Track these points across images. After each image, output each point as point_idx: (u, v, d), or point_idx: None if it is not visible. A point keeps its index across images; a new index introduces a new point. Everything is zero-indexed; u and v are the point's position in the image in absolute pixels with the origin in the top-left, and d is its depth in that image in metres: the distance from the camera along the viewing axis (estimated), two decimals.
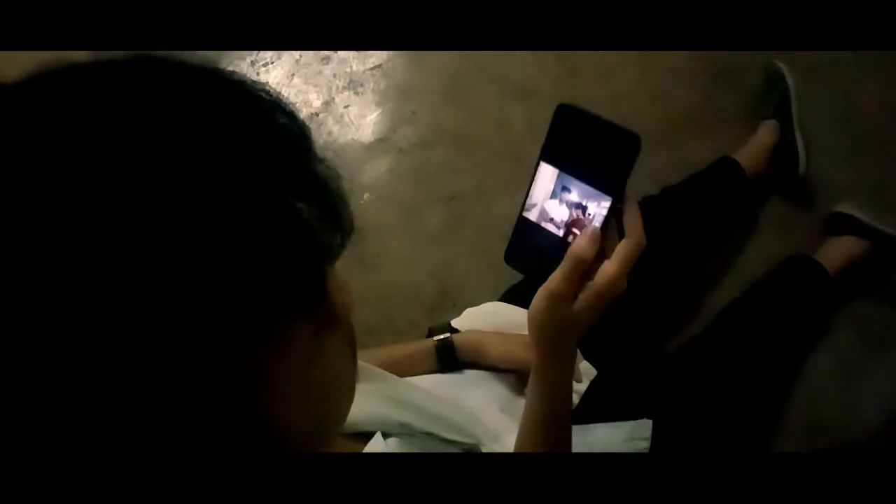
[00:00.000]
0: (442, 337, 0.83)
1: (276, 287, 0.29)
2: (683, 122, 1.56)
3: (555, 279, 0.51)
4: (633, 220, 0.50)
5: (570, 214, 0.51)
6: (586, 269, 0.50)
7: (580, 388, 0.90)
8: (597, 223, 0.50)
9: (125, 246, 0.24)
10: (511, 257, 0.56)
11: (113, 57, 0.29)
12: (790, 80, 1.45)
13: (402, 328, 1.39)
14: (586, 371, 0.93)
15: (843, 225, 1.33)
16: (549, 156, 0.51)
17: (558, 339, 0.55)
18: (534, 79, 1.61)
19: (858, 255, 1.30)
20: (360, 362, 0.68)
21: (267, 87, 0.33)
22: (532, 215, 0.54)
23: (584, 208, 0.51)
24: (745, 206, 1.40)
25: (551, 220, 0.53)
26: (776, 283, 1.25)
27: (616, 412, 0.86)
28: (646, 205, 1.19)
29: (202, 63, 0.31)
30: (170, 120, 0.27)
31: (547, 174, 0.51)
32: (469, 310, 0.98)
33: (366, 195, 1.55)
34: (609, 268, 0.50)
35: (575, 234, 0.52)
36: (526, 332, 0.91)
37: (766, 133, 1.43)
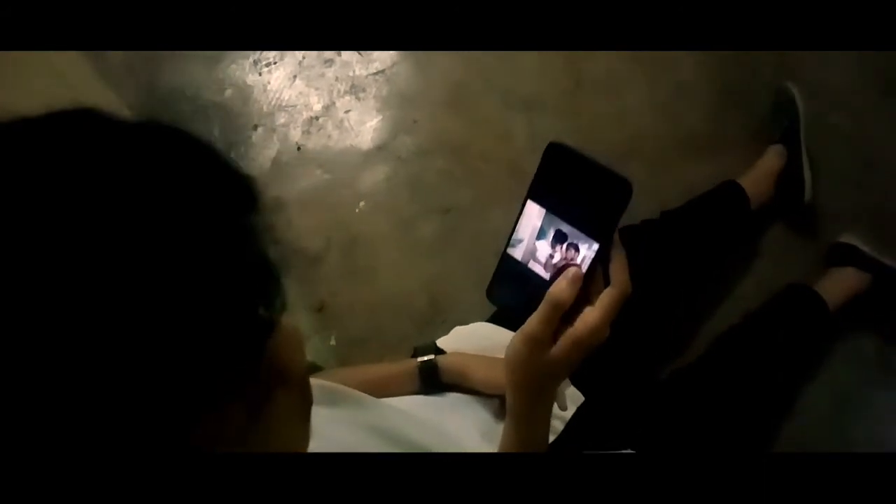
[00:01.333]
0: (426, 358, 0.83)
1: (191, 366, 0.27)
2: (688, 141, 1.55)
3: (532, 322, 0.51)
4: (618, 269, 0.50)
5: (557, 256, 0.52)
6: (565, 313, 0.50)
7: (565, 415, 0.90)
8: (583, 267, 0.51)
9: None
10: (492, 293, 0.56)
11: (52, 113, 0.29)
12: (800, 105, 1.44)
13: (392, 342, 1.39)
14: (573, 397, 0.93)
15: (845, 256, 1.33)
16: (536, 194, 0.51)
17: (534, 385, 0.55)
18: (539, 91, 1.62)
19: (860, 288, 1.29)
20: (335, 385, 0.70)
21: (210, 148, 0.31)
22: (517, 253, 0.53)
23: (570, 251, 0.51)
24: (746, 233, 1.40)
25: (536, 260, 0.52)
26: (774, 313, 1.24)
27: (601, 442, 0.86)
28: (644, 229, 1.20)
29: (147, 120, 0.31)
30: (95, 177, 0.27)
31: (534, 212, 0.51)
32: (457, 328, 0.98)
33: (361, 203, 1.56)
34: (591, 315, 0.50)
35: None
36: None
37: (772, 158, 1.43)
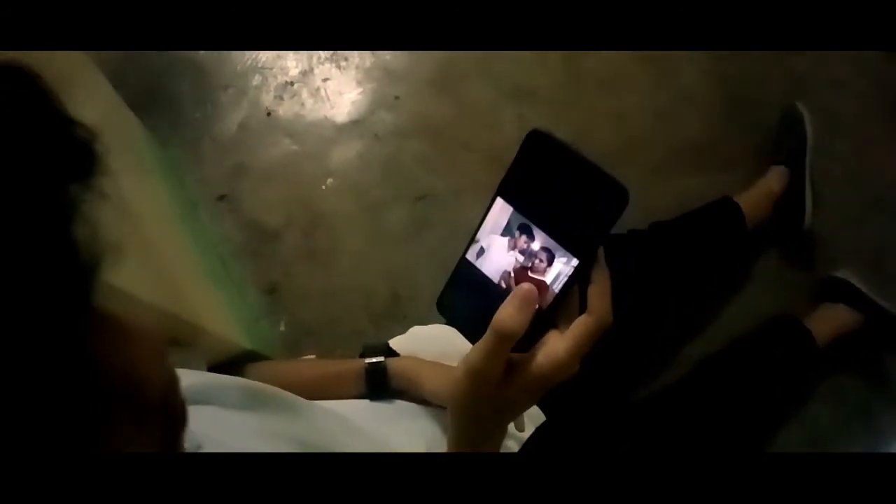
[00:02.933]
0: (375, 360, 0.78)
1: None
2: (686, 151, 1.52)
3: (476, 352, 0.43)
4: (598, 293, 0.42)
5: (525, 267, 0.44)
6: (524, 338, 0.42)
7: (522, 435, 0.85)
8: (556, 286, 0.43)
9: None
10: (444, 304, 0.48)
11: None
12: (808, 127, 1.42)
13: (345, 334, 1.34)
14: (532, 416, 0.88)
15: (839, 291, 1.32)
16: (509, 191, 0.44)
17: (478, 424, 0.48)
18: (534, 80, 1.57)
19: (850, 327, 1.28)
20: (261, 386, 0.62)
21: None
22: (477, 259, 0.46)
23: (541, 264, 0.43)
24: (738, 254, 1.37)
25: (499, 270, 0.45)
26: (759, 343, 1.22)
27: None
28: (631, 239, 1.15)
29: None
30: None
31: (504, 213, 0.44)
32: (415, 329, 0.94)
33: (329, 180, 1.50)
34: (558, 346, 0.42)
35: None
36: None
37: (774, 178, 1.40)
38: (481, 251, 0.46)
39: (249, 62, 1.63)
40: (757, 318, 1.27)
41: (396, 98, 1.57)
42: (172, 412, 0.30)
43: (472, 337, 0.45)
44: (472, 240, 0.46)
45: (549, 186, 0.42)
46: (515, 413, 0.48)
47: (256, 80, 1.62)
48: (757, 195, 1.37)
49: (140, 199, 0.91)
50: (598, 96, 1.56)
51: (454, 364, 0.80)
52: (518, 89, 1.55)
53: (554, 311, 0.43)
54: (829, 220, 1.40)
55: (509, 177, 0.44)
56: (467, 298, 0.47)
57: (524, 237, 0.44)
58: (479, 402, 0.45)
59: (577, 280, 0.42)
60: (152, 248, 0.85)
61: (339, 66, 1.63)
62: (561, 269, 0.43)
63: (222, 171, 1.51)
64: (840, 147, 1.47)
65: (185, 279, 0.92)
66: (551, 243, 0.43)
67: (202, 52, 1.62)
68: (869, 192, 1.45)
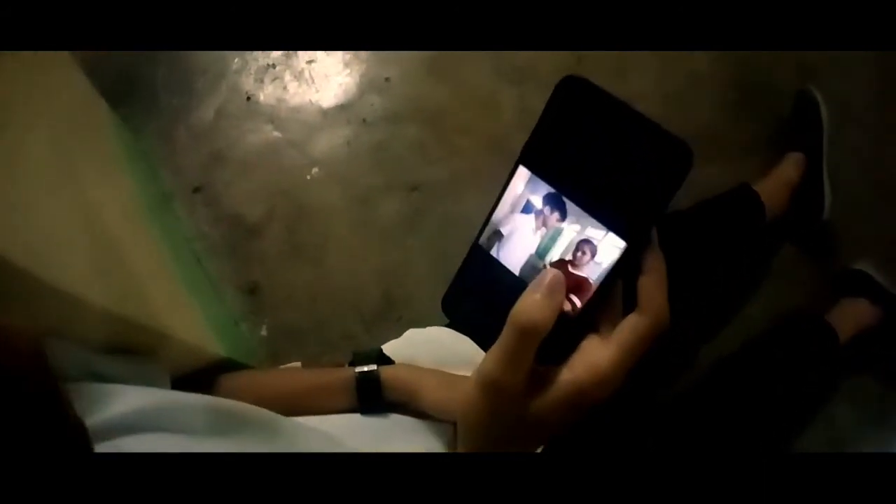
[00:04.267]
0: (366, 368, 0.72)
1: None
2: (696, 138, 1.44)
3: (491, 358, 0.35)
4: (653, 286, 0.35)
5: (555, 257, 0.36)
6: (549, 343, 0.35)
7: None
8: (595, 278, 0.35)
9: None
10: (451, 304, 0.40)
11: None
12: (824, 111, 1.40)
13: (333, 339, 1.30)
14: None
15: (858, 284, 1.31)
16: (535, 158, 0.36)
17: (496, 447, 0.40)
18: (535, 61, 1.52)
19: (871, 323, 1.27)
20: (235, 406, 0.56)
21: None
22: (494, 247, 0.38)
23: (579, 252, 0.35)
24: (759, 247, 1.34)
25: (522, 260, 0.37)
26: (781, 342, 1.19)
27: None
28: None
29: None
30: None
31: (528, 186, 0.36)
32: (411, 332, 0.88)
33: (314, 170, 1.46)
34: (599, 354, 0.35)
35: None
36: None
37: (791, 166, 1.37)
38: (498, 236, 0.38)
39: None
40: (775, 315, 1.25)
41: (387, 80, 1.53)
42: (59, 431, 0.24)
43: (486, 343, 0.37)
44: (487, 222, 0.38)
45: (587, 149, 0.34)
46: (543, 436, 0.40)
47: (236, 63, 1.58)
48: (774, 184, 1.34)
49: (101, 194, 0.85)
50: (604, 80, 1.46)
51: (457, 372, 0.75)
52: (518, 71, 1.51)
53: (593, 310, 0.35)
54: (844, 211, 1.39)
55: (535, 139, 0.36)
56: (481, 296, 0.38)
57: (556, 214, 0.35)
58: (497, 419, 0.38)
59: (623, 270, 0.34)
60: (110, 245, 0.78)
61: None
62: (603, 257, 0.34)
63: (197, 161, 1.47)
64: (852, 136, 1.45)
65: (148, 279, 0.85)
66: (591, 223, 0.34)
67: None
68: (884, 182, 1.44)
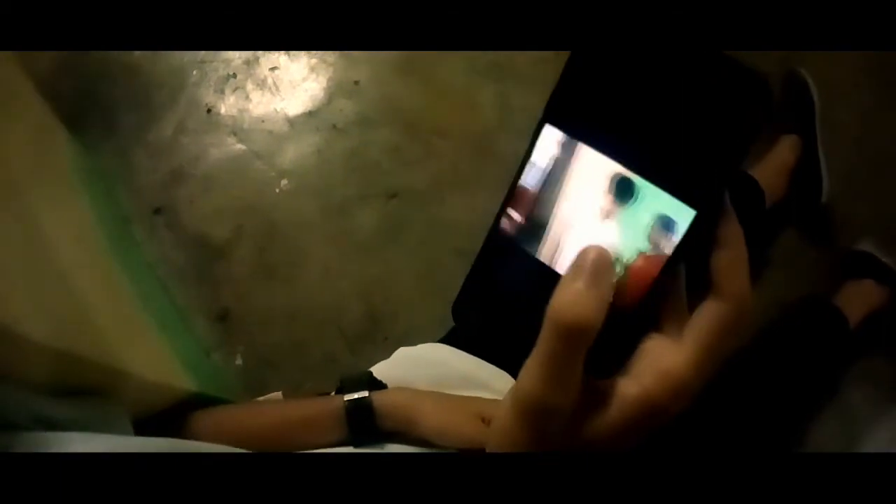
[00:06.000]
0: (356, 396, 0.69)
1: None
2: None
3: (529, 373, 0.29)
4: (732, 264, 0.29)
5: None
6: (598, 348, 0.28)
7: None
8: (651, 256, 0.29)
9: None
10: (463, 310, 0.33)
11: None
12: (814, 91, 1.41)
13: (315, 364, 1.27)
14: None
15: (862, 266, 1.32)
16: (566, 112, 0.30)
17: None
18: (512, 55, 1.52)
19: (880, 303, 1.28)
20: (199, 446, 0.52)
21: None
22: (518, 234, 0.31)
23: (655, 226, 0.28)
24: (761, 236, 1.34)
25: (561, 246, 0.31)
26: (790, 331, 1.20)
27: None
28: None
29: None
30: None
31: (559, 151, 0.30)
32: (401, 351, 0.86)
33: (283, 182, 1.43)
34: (671, 358, 0.29)
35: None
36: (479, 395, 0.72)
37: (786, 149, 1.39)
38: (524, 219, 0.31)
39: (186, 57, 1.58)
40: (779, 303, 1.25)
41: (356, 83, 1.52)
42: None
43: (517, 358, 0.30)
44: (506, 202, 0.31)
45: (635, 93, 0.28)
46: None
47: (194, 75, 1.55)
48: (771, 168, 1.35)
49: (52, 223, 0.82)
50: None
51: (457, 392, 0.71)
52: (495, 67, 1.51)
53: (654, 300, 0.29)
54: (841, 191, 1.40)
55: (563, 87, 0.30)
56: (504, 297, 0.32)
57: (600, 181, 0.29)
58: (538, 447, 0.31)
59: (691, 246, 0.28)
60: (58, 277, 0.74)
61: (287, 53, 1.57)
62: (664, 233, 0.28)
63: (157, 180, 1.44)
64: (840, 114, 1.47)
65: (103, 311, 0.81)
66: (649, 189, 0.28)
67: (136, 52, 1.58)
68: (877, 157, 1.45)
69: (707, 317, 0.29)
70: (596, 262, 0.27)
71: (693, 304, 0.30)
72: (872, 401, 1.27)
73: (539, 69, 1.51)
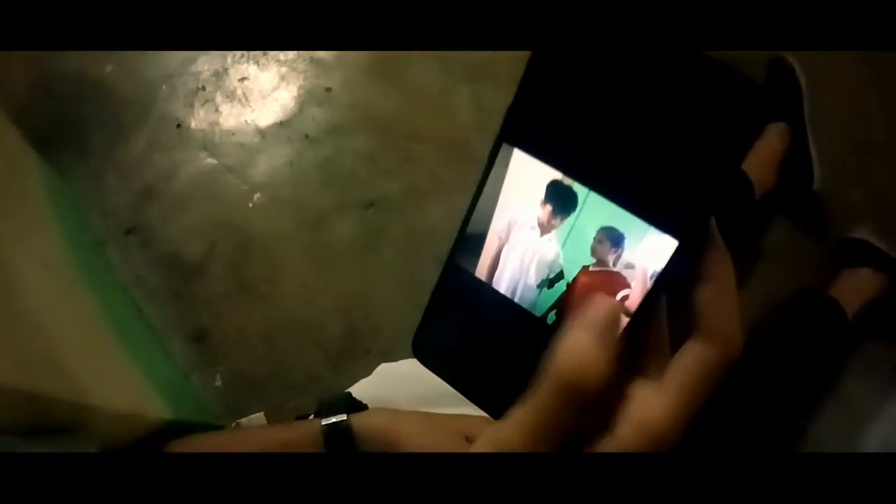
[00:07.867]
0: (334, 419, 0.68)
1: None
2: None
3: (514, 426, 0.27)
4: (718, 300, 0.27)
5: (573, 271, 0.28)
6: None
7: None
8: (631, 293, 0.27)
9: None
10: (423, 345, 0.31)
11: None
12: (801, 76, 1.41)
13: (297, 382, 1.26)
14: None
15: (858, 254, 1.31)
16: (526, 130, 0.27)
17: None
18: (488, 55, 1.50)
19: (877, 292, 1.28)
20: None
21: None
22: (475, 265, 0.30)
23: (614, 256, 0.26)
24: (752, 228, 1.34)
25: (518, 275, 0.29)
26: (787, 325, 1.20)
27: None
28: None
29: None
30: None
31: (519, 175, 0.27)
32: (383, 367, 0.86)
33: (256, 196, 1.42)
34: (652, 406, 0.27)
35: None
36: (463, 412, 0.72)
37: (775, 137, 1.38)
38: (480, 248, 0.29)
39: (154, 72, 1.56)
40: (775, 296, 1.26)
41: (328, 90, 1.51)
42: None
43: (479, 398, 0.29)
44: (463, 230, 0.29)
45: (605, 105, 0.25)
46: None
47: (163, 90, 1.54)
48: (760, 158, 1.35)
49: (18, 253, 0.81)
50: None
51: (441, 411, 0.69)
52: (471, 68, 1.50)
53: (633, 339, 0.27)
54: (831, 178, 1.40)
55: (521, 101, 0.26)
56: (461, 332, 0.30)
57: (564, 208, 0.26)
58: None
59: (672, 279, 0.25)
60: (28, 317, 0.75)
61: (257, 63, 1.56)
62: (641, 261, 0.26)
63: (129, 200, 1.42)
64: (826, 99, 1.47)
65: (70, 344, 0.80)
66: (620, 215, 0.25)
67: (107, 70, 1.56)
68: (866, 141, 1.46)
69: (690, 359, 0.27)
70: (606, 314, 0.25)
71: (678, 342, 0.28)
72: (872, 391, 1.27)
73: (517, 69, 1.48)
